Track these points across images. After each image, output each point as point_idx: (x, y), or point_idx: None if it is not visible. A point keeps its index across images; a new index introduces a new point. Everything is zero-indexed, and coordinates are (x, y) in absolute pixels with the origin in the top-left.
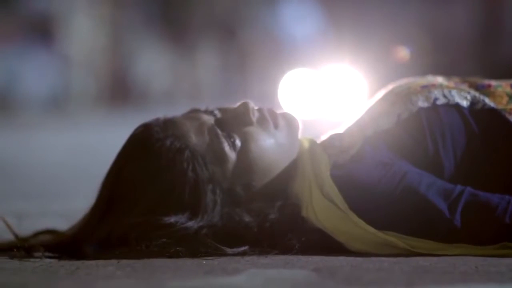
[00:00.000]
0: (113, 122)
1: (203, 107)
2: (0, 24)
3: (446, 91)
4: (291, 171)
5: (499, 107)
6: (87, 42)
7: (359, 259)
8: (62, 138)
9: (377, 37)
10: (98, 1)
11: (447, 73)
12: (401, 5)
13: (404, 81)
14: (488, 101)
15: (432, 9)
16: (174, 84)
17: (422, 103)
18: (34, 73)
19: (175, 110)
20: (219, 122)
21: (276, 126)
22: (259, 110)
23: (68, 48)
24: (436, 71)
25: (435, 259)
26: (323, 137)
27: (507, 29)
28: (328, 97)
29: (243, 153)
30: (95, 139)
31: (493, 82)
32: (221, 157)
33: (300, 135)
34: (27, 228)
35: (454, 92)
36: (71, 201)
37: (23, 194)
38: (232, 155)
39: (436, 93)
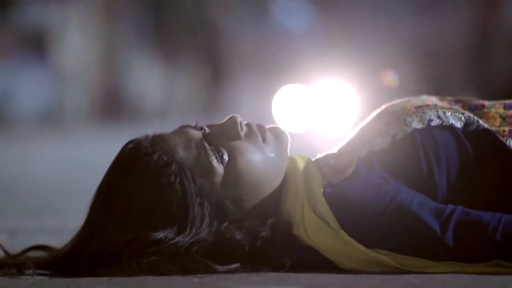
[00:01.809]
0: (107, 136)
1: (192, 123)
2: None
3: (440, 112)
4: (282, 188)
5: (492, 128)
6: (81, 56)
7: (350, 276)
8: (56, 152)
9: (369, 53)
10: (92, 16)
11: (439, 88)
12: (394, 21)
13: (398, 101)
14: (482, 122)
15: (424, 24)
16: (167, 98)
17: (416, 124)
18: (28, 87)
19: (167, 124)
20: (207, 137)
21: (264, 140)
22: (247, 124)
23: (62, 63)
24: (428, 86)
25: (426, 277)
26: (318, 156)
27: (499, 43)
28: (321, 112)
29: (231, 166)
30: (88, 153)
31: (486, 103)
32: (209, 171)
33: (289, 149)
34: (20, 245)
35: (448, 113)
36: (65, 216)
37: (16, 210)
38: (220, 168)
39: (430, 114)
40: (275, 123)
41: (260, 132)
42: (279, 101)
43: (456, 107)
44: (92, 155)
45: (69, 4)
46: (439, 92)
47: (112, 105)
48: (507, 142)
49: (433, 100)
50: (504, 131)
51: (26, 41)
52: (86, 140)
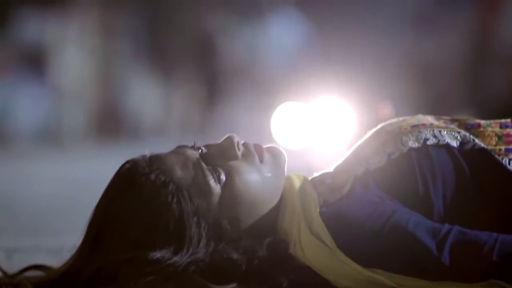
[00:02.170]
0: (105, 154)
1: (190, 142)
2: None
3: (436, 131)
4: (279, 207)
5: (489, 147)
6: (79, 74)
7: None
8: (54, 170)
9: (367, 70)
10: (89, 34)
11: (436, 106)
12: (392, 38)
13: (394, 120)
14: (478, 141)
15: (421, 41)
16: (164, 116)
17: (412, 143)
18: (26, 104)
19: (165, 142)
20: (204, 157)
21: (261, 160)
22: (244, 144)
23: (59, 80)
24: (425, 104)
25: None
26: (315, 175)
27: (495, 61)
28: (319, 129)
29: (228, 186)
30: (86, 171)
31: (483, 122)
32: (206, 191)
33: (287, 166)
34: (17, 264)
35: (444, 132)
36: (63, 236)
37: (13, 228)
38: (217, 188)
39: (426, 133)
40: (272, 141)
41: (257, 152)
42: (277, 118)
43: (452, 126)
44: (90, 173)
45: (67, 22)
46: (436, 110)
47: (109, 122)
48: (503, 160)
49: (429, 119)
50: (500, 150)
51: (24, 58)
52: (83, 158)
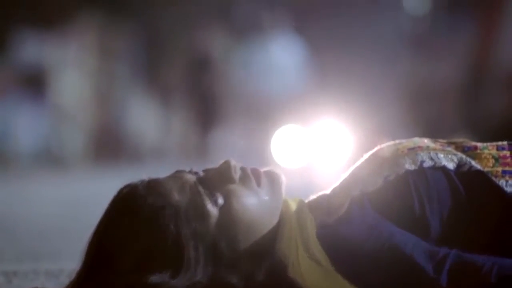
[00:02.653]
0: (104, 175)
1: (188, 166)
2: None
3: (432, 154)
4: (276, 230)
5: (485, 169)
6: (78, 95)
7: None
8: (53, 191)
9: (364, 93)
10: (88, 56)
11: (432, 129)
12: (388, 61)
13: (391, 142)
14: (474, 163)
15: (418, 64)
16: (162, 139)
17: (409, 166)
18: (24, 126)
19: (163, 165)
20: (201, 181)
21: (258, 183)
22: (242, 168)
23: (58, 101)
24: (422, 127)
25: None
26: (311, 197)
27: (491, 84)
28: (317, 150)
29: (226, 209)
30: (86, 192)
31: (479, 144)
32: (204, 214)
33: (286, 187)
34: None
35: (440, 154)
36: (62, 259)
37: (13, 251)
38: (214, 211)
39: (423, 155)
40: (272, 161)
41: (255, 176)
42: (277, 140)
43: (449, 148)
44: (89, 194)
45: (66, 43)
46: (433, 133)
47: (108, 144)
48: (500, 182)
49: (426, 142)
50: (497, 172)
51: (23, 80)
52: (83, 179)
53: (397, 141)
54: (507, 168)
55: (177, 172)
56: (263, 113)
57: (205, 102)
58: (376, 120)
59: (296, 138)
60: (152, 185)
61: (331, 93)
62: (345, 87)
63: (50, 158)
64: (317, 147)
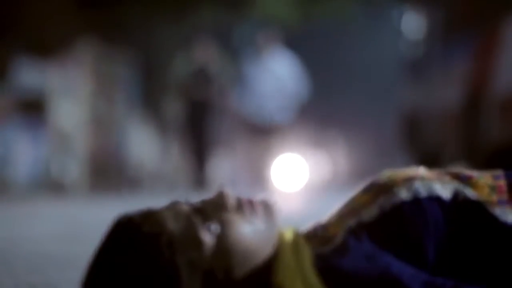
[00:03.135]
0: (102, 202)
1: (184, 195)
2: None
3: (428, 184)
4: (272, 261)
5: (481, 199)
6: (76, 122)
7: None
8: (52, 217)
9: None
10: (87, 83)
11: (429, 154)
12: (384, 87)
13: (387, 172)
14: (470, 193)
15: (415, 90)
16: (158, 167)
17: (404, 196)
18: (23, 152)
19: (162, 193)
20: (197, 210)
21: (253, 213)
22: (237, 198)
23: (57, 128)
24: (418, 152)
25: None
26: (307, 227)
27: (488, 112)
28: (312, 175)
29: (221, 238)
30: (84, 218)
31: (475, 173)
32: (198, 242)
33: (280, 220)
34: None
35: (436, 185)
36: None
37: (11, 282)
38: (209, 240)
39: (418, 186)
40: (268, 192)
41: (250, 205)
42: (276, 167)
43: (445, 178)
44: (87, 219)
45: (65, 71)
46: (429, 158)
47: (105, 170)
48: (496, 212)
49: (421, 171)
50: (493, 201)
51: (23, 106)
52: (81, 204)
53: (392, 171)
54: (503, 198)
55: (172, 202)
56: (262, 141)
57: (203, 128)
58: (371, 145)
59: (294, 165)
60: (148, 214)
61: (327, 119)
62: (341, 113)
63: (49, 183)
64: (312, 173)
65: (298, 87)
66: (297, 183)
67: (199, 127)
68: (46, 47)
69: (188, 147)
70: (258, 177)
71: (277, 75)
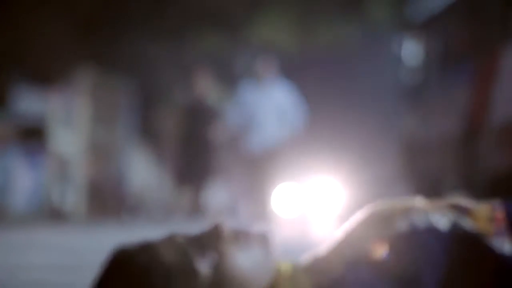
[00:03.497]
0: (100, 229)
1: (181, 226)
2: None
3: (426, 215)
4: None
5: (479, 230)
6: (75, 149)
7: None
8: (51, 243)
9: (356, 151)
10: (85, 111)
11: (428, 183)
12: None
13: (385, 203)
14: (468, 224)
15: (413, 119)
16: (157, 197)
17: (403, 228)
18: (23, 179)
19: (160, 220)
20: (193, 242)
21: (249, 245)
22: (232, 230)
23: (55, 156)
24: (416, 181)
25: None
26: (305, 261)
27: (487, 141)
28: (311, 201)
29: (217, 270)
30: (83, 245)
31: (474, 205)
32: (194, 274)
33: (276, 253)
34: None
35: (434, 216)
36: None
37: None
38: (205, 272)
39: (417, 217)
40: (267, 220)
41: (246, 237)
42: (276, 195)
43: (443, 209)
44: (86, 246)
45: (64, 99)
46: (427, 187)
47: (104, 198)
48: (494, 242)
49: (420, 202)
50: (491, 232)
51: (23, 134)
52: (80, 232)
53: (391, 200)
54: (500, 229)
55: (169, 234)
56: (261, 168)
57: (201, 156)
58: (370, 174)
59: (293, 193)
60: (144, 247)
61: (326, 147)
62: (339, 141)
63: (48, 211)
64: (312, 200)
65: (297, 114)
66: (296, 210)
67: (195, 157)
68: (46, 75)
69: (183, 176)
70: (257, 204)
71: (277, 102)
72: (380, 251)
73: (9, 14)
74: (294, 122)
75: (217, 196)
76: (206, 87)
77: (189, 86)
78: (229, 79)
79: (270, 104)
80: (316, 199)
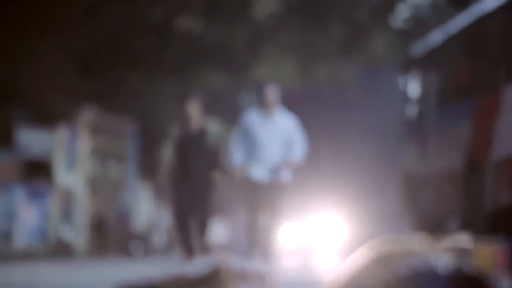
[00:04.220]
0: (105, 267)
1: (178, 268)
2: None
3: (427, 257)
4: None
5: (480, 270)
6: (78, 188)
7: None
8: (55, 283)
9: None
10: (87, 148)
11: (428, 217)
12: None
13: (388, 243)
14: (469, 263)
15: (414, 152)
16: (157, 232)
17: (403, 271)
18: (28, 216)
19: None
20: (194, 284)
21: (249, 285)
22: (233, 270)
23: (60, 193)
24: (417, 215)
25: None
26: None
27: (488, 177)
28: (316, 238)
29: None
30: (89, 284)
31: (474, 243)
32: None
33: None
34: None
35: (435, 257)
36: None
37: None
38: None
39: (417, 259)
40: (270, 257)
41: (245, 278)
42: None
43: (445, 250)
44: (91, 283)
45: (68, 137)
46: (427, 221)
47: (106, 234)
48: (494, 279)
49: (422, 243)
50: (492, 269)
51: (27, 172)
52: (84, 269)
53: (393, 241)
54: (501, 266)
55: (171, 275)
56: (264, 202)
57: (196, 193)
58: (372, 209)
59: (296, 227)
60: (146, 286)
61: (327, 181)
62: (341, 175)
63: (52, 247)
64: (314, 234)
65: (302, 143)
66: (299, 244)
67: (189, 193)
68: (50, 113)
69: (178, 216)
70: (259, 239)
71: (281, 130)
72: None
73: (13, 56)
74: (299, 151)
75: (217, 232)
76: (198, 116)
77: (181, 117)
78: (232, 116)
79: (274, 132)
80: (318, 233)
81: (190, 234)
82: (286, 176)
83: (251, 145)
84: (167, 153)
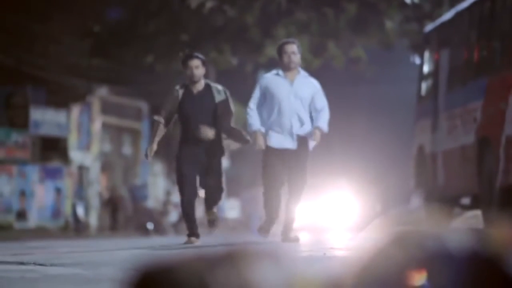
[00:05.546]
0: (119, 244)
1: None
2: (15, 146)
3: (442, 238)
4: None
5: (495, 249)
6: (92, 167)
7: None
8: (70, 260)
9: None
10: (101, 132)
11: (439, 199)
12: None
13: (400, 217)
14: (483, 243)
15: (425, 132)
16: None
17: (420, 253)
18: (43, 195)
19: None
20: (212, 265)
21: (265, 264)
22: (249, 251)
23: (74, 172)
24: (426, 196)
25: None
26: (330, 279)
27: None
28: (330, 214)
29: None
30: (104, 262)
31: (488, 221)
32: None
33: (293, 271)
34: None
35: (450, 238)
36: None
37: None
38: None
39: (433, 240)
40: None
41: (262, 258)
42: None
43: (459, 230)
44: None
45: (81, 118)
46: (441, 201)
47: (122, 211)
48: (510, 260)
49: (433, 220)
50: (505, 250)
51: (43, 151)
52: (98, 247)
53: (403, 214)
54: None
55: (189, 257)
56: (285, 172)
57: (207, 158)
58: (382, 185)
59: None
60: (165, 269)
61: (337, 159)
62: (351, 152)
63: (67, 225)
64: (328, 210)
65: (327, 112)
66: (313, 220)
67: (195, 163)
68: (64, 94)
69: (182, 185)
70: (275, 214)
71: (305, 96)
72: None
73: (27, 38)
74: (324, 119)
75: (232, 206)
76: (202, 74)
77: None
78: (248, 96)
79: (296, 96)
80: (331, 210)
81: (193, 213)
82: (309, 144)
83: (270, 110)
84: (164, 118)
